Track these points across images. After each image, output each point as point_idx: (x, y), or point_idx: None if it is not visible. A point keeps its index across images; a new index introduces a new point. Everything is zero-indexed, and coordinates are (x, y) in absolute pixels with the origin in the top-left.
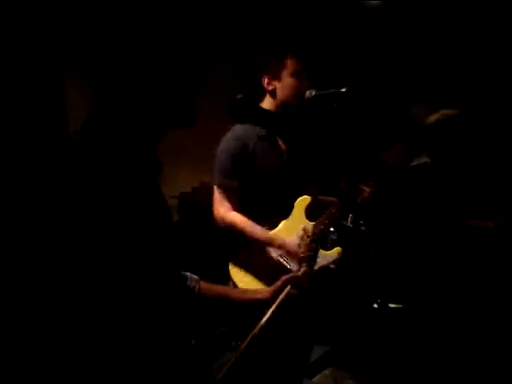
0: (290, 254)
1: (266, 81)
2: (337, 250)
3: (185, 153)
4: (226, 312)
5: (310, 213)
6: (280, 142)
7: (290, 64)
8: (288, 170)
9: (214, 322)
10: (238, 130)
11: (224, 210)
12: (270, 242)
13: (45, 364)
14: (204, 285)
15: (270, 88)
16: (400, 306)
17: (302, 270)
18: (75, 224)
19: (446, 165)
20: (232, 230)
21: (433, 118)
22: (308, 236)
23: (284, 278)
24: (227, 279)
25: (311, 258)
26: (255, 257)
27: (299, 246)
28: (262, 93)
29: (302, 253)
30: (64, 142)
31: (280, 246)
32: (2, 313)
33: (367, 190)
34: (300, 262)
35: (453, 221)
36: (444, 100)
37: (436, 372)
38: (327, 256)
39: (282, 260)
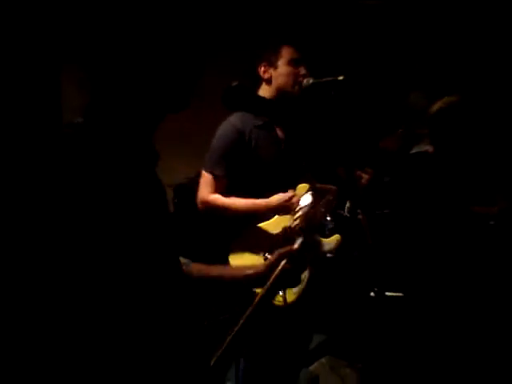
0: (279, 207)
1: (263, 69)
2: (336, 237)
3: (181, 143)
4: (223, 297)
5: None
6: (277, 130)
7: (286, 52)
8: (286, 158)
9: (214, 311)
10: (235, 118)
11: (206, 193)
12: (255, 207)
13: (43, 362)
14: (195, 266)
15: (266, 76)
16: (397, 294)
17: (298, 242)
18: (72, 214)
19: (450, 152)
20: (214, 210)
21: (436, 105)
22: (302, 208)
23: (278, 251)
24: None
25: (307, 229)
26: (253, 240)
27: (295, 220)
28: (259, 81)
29: (297, 225)
30: (60, 133)
31: (266, 207)
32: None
33: (365, 176)
34: (297, 234)
35: (456, 207)
36: (441, 87)
37: (433, 361)
38: (326, 243)
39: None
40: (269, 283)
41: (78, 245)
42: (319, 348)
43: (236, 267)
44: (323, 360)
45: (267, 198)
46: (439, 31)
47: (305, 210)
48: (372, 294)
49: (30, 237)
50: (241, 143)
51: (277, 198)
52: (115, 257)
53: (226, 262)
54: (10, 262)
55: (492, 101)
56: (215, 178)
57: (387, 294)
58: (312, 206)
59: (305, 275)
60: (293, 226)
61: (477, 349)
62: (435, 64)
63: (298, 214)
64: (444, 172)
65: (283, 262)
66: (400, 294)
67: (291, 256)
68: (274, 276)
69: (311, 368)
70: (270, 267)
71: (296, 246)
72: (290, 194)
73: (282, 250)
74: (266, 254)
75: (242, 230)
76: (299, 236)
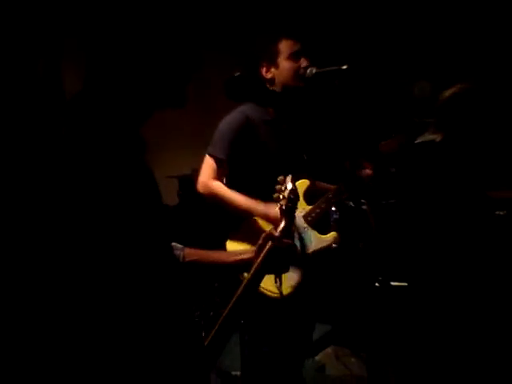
0: (273, 221)
1: (264, 69)
2: (332, 234)
3: (185, 134)
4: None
5: (308, 197)
6: (283, 122)
7: (284, 47)
8: (289, 152)
9: (218, 302)
10: (246, 108)
11: (208, 177)
12: (252, 209)
13: (45, 361)
14: (188, 250)
15: (269, 76)
16: (402, 284)
17: (281, 225)
18: (67, 207)
19: (463, 139)
20: (213, 197)
21: (448, 91)
22: (285, 188)
23: (263, 234)
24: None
25: (288, 212)
26: (250, 233)
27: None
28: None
29: (281, 207)
30: (52, 124)
31: (263, 215)
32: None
33: (366, 173)
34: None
35: (471, 193)
36: (447, 76)
37: (438, 350)
38: (323, 239)
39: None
40: (256, 264)
41: (74, 239)
42: (324, 338)
43: (227, 252)
44: (329, 350)
45: (266, 189)
46: (445, 19)
47: (287, 194)
48: (377, 283)
49: (26, 230)
50: (248, 132)
51: (275, 214)
52: (112, 248)
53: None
54: (10, 260)
55: (501, 88)
56: (218, 162)
57: (392, 283)
58: (292, 191)
59: (297, 274)
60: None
61: (483, 340)
62: (440, 53)
63: (284, 194)
64: (456, 159)
65: (269, 244)
66: (405, 284)
67: (274, 237)
68: (261, 257)
69: (317, 358)
70: (258, 251)
71: (280, 228)
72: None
73: (266, 232)
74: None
75: (241, 221)
76: (282, 220)
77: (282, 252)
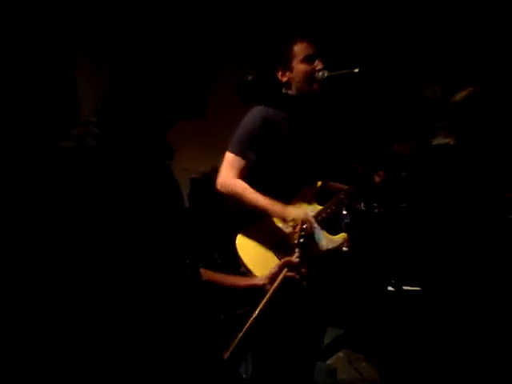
0: (289, 222)
1: (280, 73)
2: (342, 235)
3: (196, 137)
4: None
5: (320, 197)
6: (300, 124)
7: (298, 49)
8: (307, 153)
9: (228, 305)
10: (264, 108)
11: (230, 176)
12: (269, 209)
13: (48, 362)
14: (201, 270)
15: (285, 79)
16: (415, 288)
17: (296, 254)
18: (86, 214)
19: (475, 141)
20: (234, 196)
21: (460, 94)
22: (297, 225)
23: (278, 263)
24: (238, 265)
25: (302, 245)
26: (264, 231)
27: (291, 234)
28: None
29: (294, 239)
30: (74, 131)
31: (281, 215)
32: (3, 310)
33: (377, 179)
34: (294, 247)
35: (488, 197)
36: (457, 80)
37: (451, 355)
38: (332, 240)
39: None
40: (272, 290)
41: (91, 243)
42: (336, 342)
43: (239, 277)
44: (341, 354)
45: (285, 189)
46: (456, 23)
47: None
48: (389, 288)
49: (38, 233)
50: (269, 129)
51: (291, 215)
52: (129, 255)
53: (233, 241)
54: (17, 261)
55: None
56: (241, 160)
57: (404, 288)
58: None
59: None
60: (295, 240)
61: (497, 346)
62: (452, 56)
63: (295, 230)
64: (470, 162)
65: (284, 271)
66: (417, 288)
67: (291, 265)
68: (277, 283)
69: (329, 362)
70: (271, 278)
71: (294, 257)
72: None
73: (284, 260)
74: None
75: (256, 219)
76: (298, 248)
77: (299, 280)
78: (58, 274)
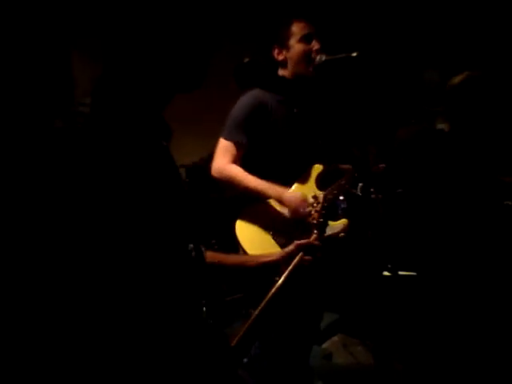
0: (290, 206)
1: (276, 51)
2: (342, 221)
3: (193, 122)
4: (237, 279)
5: (320, 182)
6: (295, 108)
7: (296, 28)
8: (303, 135)
9: (224, 290)
10: (257, 92)
11: (225, 162)
12: (266, 192)
13: (49, 361)
14: (208, 253)
15: (281, 58)
16: (410, 273)
17: (314, 236)
18: (86, 197)
19: (471, 125)
20: (230, 181)
21: (457, 78)
22: (319, 203)
23: (297, 242)
24: (236, 250)
25: (321, 225)
26: (261, 214)
27: (310, 212)
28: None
29: (314, 219)
30: (69, 112)
31: (277, 197)
32: (2, 309)
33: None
34: (311, 228)
35: (484, 182)
36: (455, 65)
37: (446, 339)
38: (333, 226)
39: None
40: (287, 272)
41: (91, 227)
42: (332, 326)
43: (248, 255)
44: (336, 338)
45: (281, 173)
46: (454, 7)
47: (319, 208)
48: (385, 273)
49: (38, 226)
50: (262, 113)
51: (289, 198)
52: (131, 240)
53: (233, 229)
54: (18, 256)
55: (510, 76)
56: (235, 145)
57: (400, 273)
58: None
59: None
60: (314, 219)
61: (491, 330)
62: (449, 41)
63: (317, 208)
64: (465, 148)
65: (301, 254)
66: (413, 273)
67: (308, 248)
68: (292, 266)
69: (324, 346)
70: (286, 257)
71: (313, 239)
72: (301, 199)
73: (300, 242)
74: (272, 233)
75: (255, 202)
76: (315, 229)
77: (313, 264)
78: (55, 259)
